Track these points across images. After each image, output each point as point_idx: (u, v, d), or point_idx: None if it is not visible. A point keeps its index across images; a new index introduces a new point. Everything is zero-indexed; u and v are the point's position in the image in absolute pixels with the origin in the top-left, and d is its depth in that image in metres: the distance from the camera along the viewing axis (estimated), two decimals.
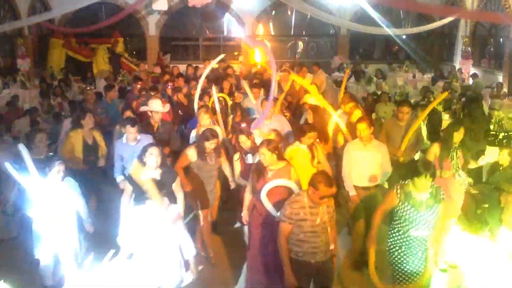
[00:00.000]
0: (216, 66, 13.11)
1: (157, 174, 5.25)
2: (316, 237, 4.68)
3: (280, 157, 5.45)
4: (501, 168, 6.73)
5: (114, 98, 10.13)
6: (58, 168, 5.36)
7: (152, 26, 20.25)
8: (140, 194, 5.21)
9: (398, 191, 4.88)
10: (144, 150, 5.40)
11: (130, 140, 6.72)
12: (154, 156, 5.31)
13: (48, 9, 18.26)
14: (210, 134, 6.16)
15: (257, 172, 5.44)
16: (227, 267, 6.37)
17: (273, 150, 5.29)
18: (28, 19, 16.38)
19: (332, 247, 4.81)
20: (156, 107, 7.61)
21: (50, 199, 5.25)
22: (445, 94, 8.74)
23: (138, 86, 10.63)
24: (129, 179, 5.43)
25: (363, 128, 6.13)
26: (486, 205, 7.00)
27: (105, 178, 7.23)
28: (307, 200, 4.65)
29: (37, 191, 5.11)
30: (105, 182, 7.16)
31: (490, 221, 6.89)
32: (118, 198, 5.71)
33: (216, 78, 12.19)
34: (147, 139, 6.66)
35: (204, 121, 7.34)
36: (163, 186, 5.19)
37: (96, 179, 7.10)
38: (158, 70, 16.43)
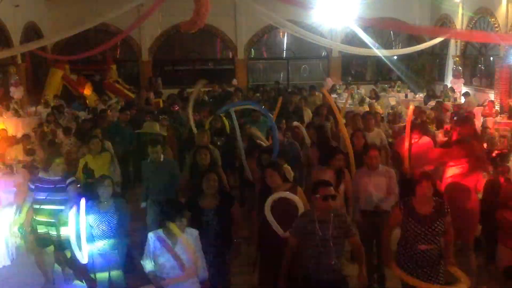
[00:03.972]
0: None
1: None
2: (327, 254, 4.53)
3: (286, 179, 5.53)
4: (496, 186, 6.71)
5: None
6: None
7: (145, 51, 20.36)
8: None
9: (402, 206, 4.92)
10: None
11: None
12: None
13: (41, 36, 18.34)
14: None
15: (263, 193, 5.43)
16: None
17: (278, 171, 5.37)
18: (21, 46, 16.37)
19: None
20: None
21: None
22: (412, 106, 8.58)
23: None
24: None
25: (374, 156, 6.21)
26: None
27: None
28: (316, 215, 4.57)
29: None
30: None
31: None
32: None
33: None
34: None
35: None
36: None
37: None
38: (151, 95, 16.48)
